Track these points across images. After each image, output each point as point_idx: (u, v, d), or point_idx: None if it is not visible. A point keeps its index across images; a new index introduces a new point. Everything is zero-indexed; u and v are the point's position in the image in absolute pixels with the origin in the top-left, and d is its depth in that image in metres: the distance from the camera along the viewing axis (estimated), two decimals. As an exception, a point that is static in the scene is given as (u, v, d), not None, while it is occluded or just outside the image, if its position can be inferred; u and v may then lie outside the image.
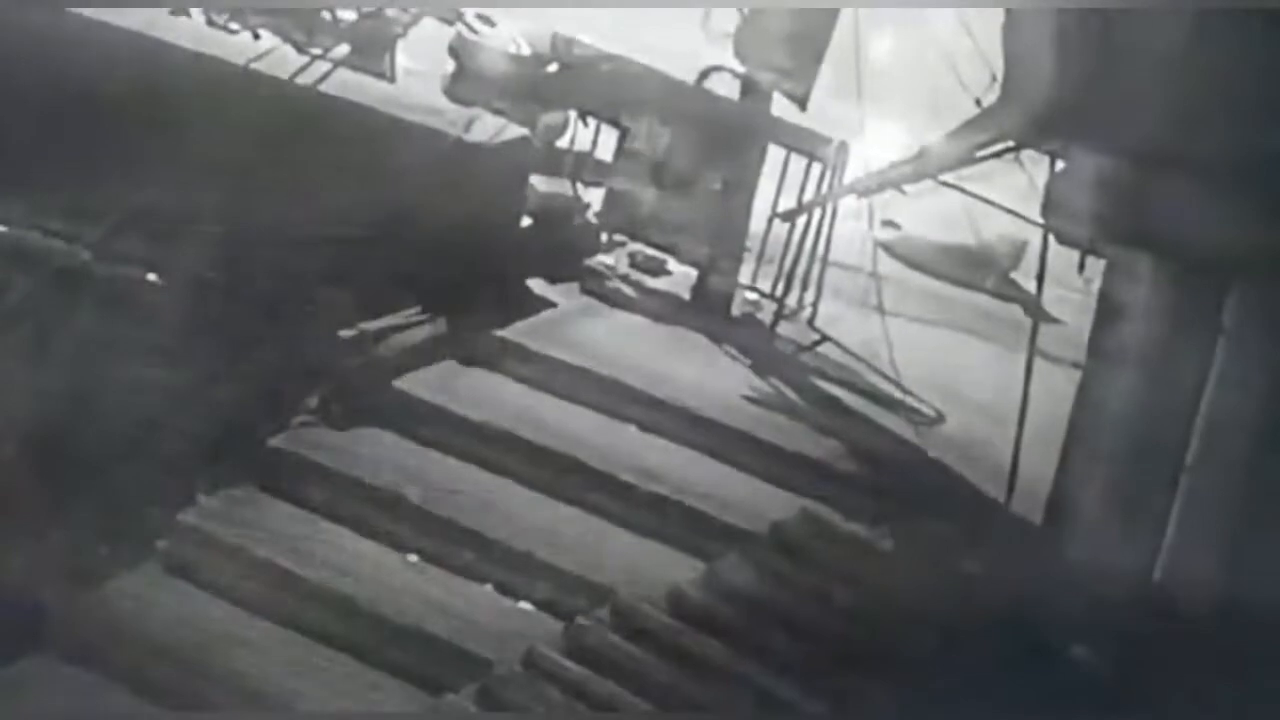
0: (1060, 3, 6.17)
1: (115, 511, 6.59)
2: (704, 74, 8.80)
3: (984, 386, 7.93)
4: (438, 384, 7.20)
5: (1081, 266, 7.71)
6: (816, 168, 8.39)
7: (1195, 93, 5.96)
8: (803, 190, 8.41)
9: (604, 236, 8.79)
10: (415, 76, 9.29)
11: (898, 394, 7.91)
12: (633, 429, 7.23)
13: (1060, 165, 6.70)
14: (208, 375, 7.15)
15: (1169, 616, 6.21)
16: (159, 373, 7.21)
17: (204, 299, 7.44)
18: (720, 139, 8.44)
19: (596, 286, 8.40)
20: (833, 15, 8.27)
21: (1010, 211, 8.15)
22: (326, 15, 9.36)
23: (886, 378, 8.02)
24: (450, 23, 9.23)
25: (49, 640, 5.89)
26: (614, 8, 9.41)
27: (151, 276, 7.64)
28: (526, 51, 8.71)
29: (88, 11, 8.36)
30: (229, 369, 7.16)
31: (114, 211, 7.65)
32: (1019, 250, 8.75)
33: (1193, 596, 6.24)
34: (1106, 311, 6.52)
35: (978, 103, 7.60)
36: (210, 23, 9.42)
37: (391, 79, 9.19)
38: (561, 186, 8.77)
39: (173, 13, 9.34)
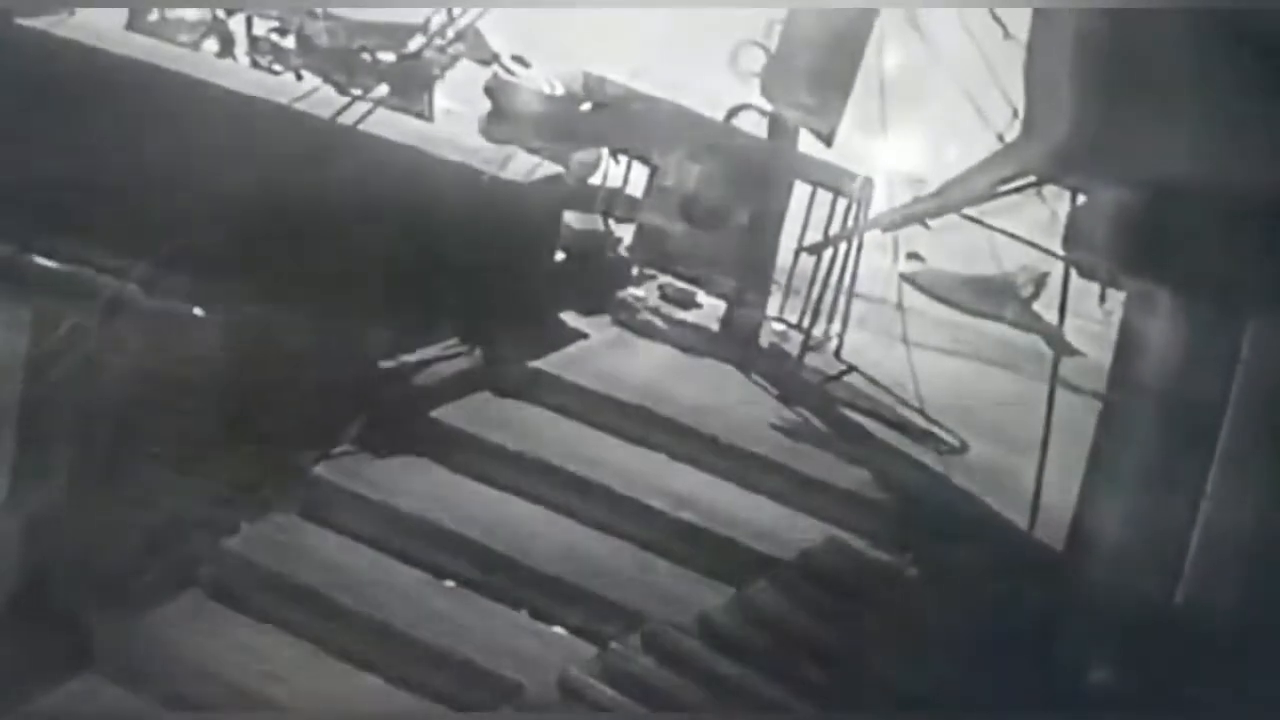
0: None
1: (160, 538, 6.64)
2: (732, 112, 8.82)
3: (1007, 416, 7.90)
4: (473, 414, 7.22)
5: (1103, 298, 7.71)
6: (842, 202, 8.39)
7: (1214, 127, 5.93)
8: (829, 224, 8.41)
9: (635, 270, 8.80)
10: (453, 116, 9.34)
11: (923, 423, 7.88)
12: (663, 457, 7.23)
13: (1081, 199, 6.69)
14: (251, 405, 7.20)
15: (1190, 640, 6.17)
16: (203, 403, 7.27)
17: (247, 332, 7.49)
18: (748, 175, 8.44)
19: (627, 318, 8.40)
20: (858, 54, 8.27)
21: (1032, 245, 8.13)
22: (366, 56, 9.44)
23: (911, 407, 7.99)
24: (487, 64, 9.29)
25: (97, 662, 5.94)
26: (643, 43, 9.48)
27: (198, 311, 7.72)
28: (560, 92, 8.74)
29: (136, 53, 8.47)
30: (272, 399, 7.21)
31: (161, 248, 7.72)
32: (1040, 282, 8.73)
33: (1214, 620, 6.20)
34: (1127, 342, 6.49)
35: (1000, 138, 7.61)
36: (255, 64, 9.52)
37: (430, 118, 9.25)
38: (594, 222, 8.79)
39: (219, 55, 9.47)
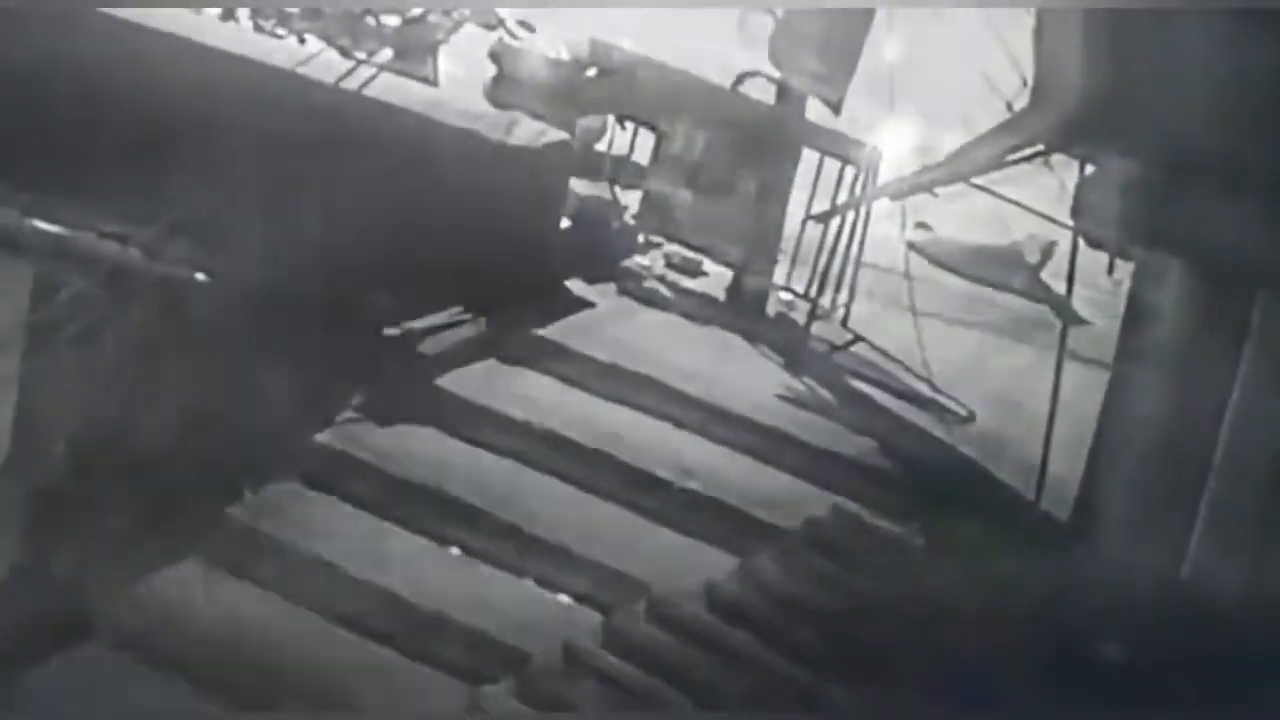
0: (1085, 2, 6.10)
1: (164, 506, 6.61)
2: (739, 79, 8.77)
3: (1014, 386, 7.89)
4: (479, 382, 7.18)
5: (1111, 268, 7.65)
6: (850, 171, 8.35)
7: (1223, 98, 5.88)
8: (836, 193, 8.38)
9: (641, 238, 8.78)
10: (458, 81, 9.28)
11: (929, 393, 7.87)
12: (668, 426, 7.19)
13: (1089, 169, 6.65)
14: (255, 373, 7.16)
15: (1197, 612, 6.15)
16: (207, 370, 7.23)
17: (251, 299, 7.45)
18: (755, 143, 8.40)
19: (634, 287, 8.38)
20: (866, 21, 8.21)
21: (1040, 215, 8.09)
22: (370, 21, 9.38)
23: (918, 377, 7.97)
24: (492, 28, 9.23)
25: (99, 629, 5.92)
26: (650, 8, 9.41)
27: (200, 277, 7.67)
28: (566, 57, 8.69)
29: (136, 16, 8.39)
30: (275, 367, 7.17)
31: (164, 214, 7.67)
32: (1047, 251, 8.69)
33: (1220, 593, 6.17)
34: (1135, 313, 6.48)
35: (1009, 107, 7.56)
36: (257, 28, 9.45)
37: (435, 84, 9.19)
38: (600, 189, 8.76)
39: (221, 18, 9.39)
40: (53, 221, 7.85)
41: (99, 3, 8.36)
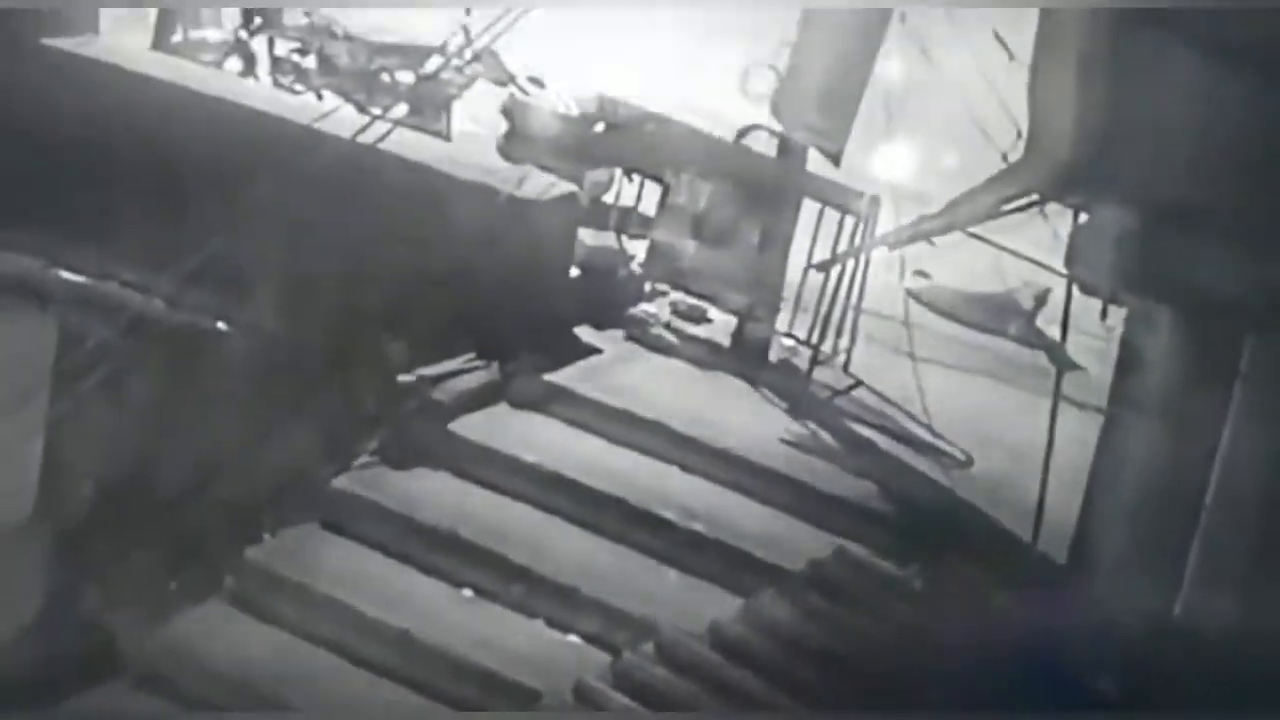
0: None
1: (186, 548, 6.67)
2: (742, 132, 8.84)
3: (1011, 430, 7.90)
4: (490, 427, 7.24)
5: (1104, 314, 7.71)
6: (850, 220, 8.41)
7: (1212, 146, 5.96)
8: (836, 242, 8.42)
9: (647, 286, 8.82)
10: (470, 136, 9.38)
11: (929, 437, 7.89)
12: (675, 470, 7.24)
13: (1083, 218, 6.70)
14: (274, 418, 7.23)
15: (1190, 650, 6.18)
16: (227, 416, 7.30)
17: (270, 346, 7.53)
18: (758, 194, 8.46)
19: (640, 334, 8.41)
20: (865, 76, 8.31)
21: (1035, 262, 8.15)
22: (386, 78, 9.49)
23: (918, 421, 7.99)
24: (503, 84, 9.34)
25: (124, 667, 5.97)
26: (655, 64, 9.50)
27: (221, 325, 7.75)
28: (575, 112, 8.77)
29: (160, 73, 8.52)
30: (294, 413, 7.23)
31: (185, 264, 7.75)
32: (1042, 298, 8.75)
33: (1212, 631, 6.21)
34: (1128, 358, 6.52)
35: (1004, 158, 7.64)
36: (276, 84, 9.57)
37: (448, 138, 9.29)
38: (607, 239, 8.81)
39: (241, 74, 9.52)
40: (77, 271, 7.94)
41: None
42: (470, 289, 7.65)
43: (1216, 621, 6.20)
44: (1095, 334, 7.83)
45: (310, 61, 9.61)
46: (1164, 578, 6.29)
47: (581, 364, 7.87)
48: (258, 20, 9.54)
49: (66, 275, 8.00)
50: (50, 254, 8.00)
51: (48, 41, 8.49)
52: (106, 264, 8.00)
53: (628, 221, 8.87)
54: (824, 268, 8.41)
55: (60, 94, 8.21)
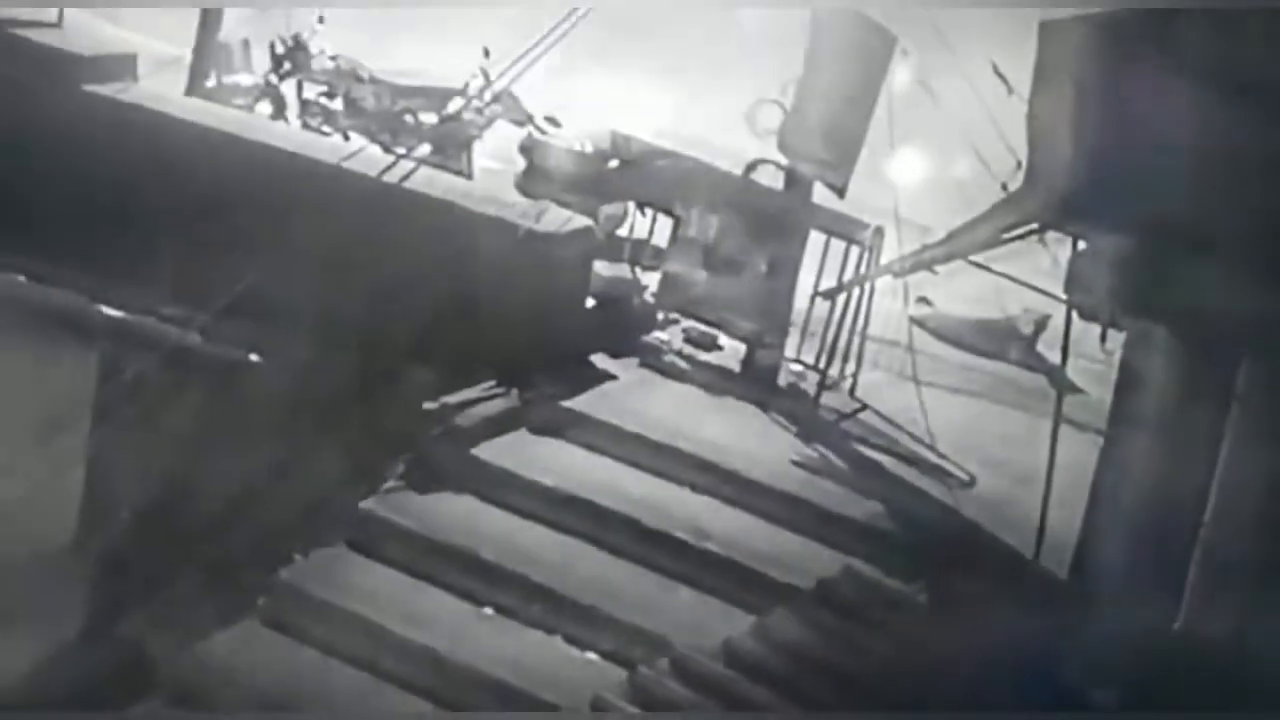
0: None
1: (220, 570, 6.72)
2: (750, 167, 8.91)
3: (1013, 451, 7.92)
4: (511, 451, 7.30)
5: (1104, 338, 7.71)
6: (855, 250, 8.45)
7: (1208, 173, 5.98)
8: (842, 271, 8.46)
9: (660, 315, 8.88)
10: (491, 174, 9.45)
11: (933, 458, 7.91)
12: (687, 491, 7.29)
13: (1081, 245, 6.72)
14: (304, 445, 7.28)
15: (1189, 664, 6.16)
16: (260, 443, 7.36)
17: (301, 376, 7.58)
18: (766, 225, 8.51)
19: (654, 361, 8.47)
20: (870, 110, 8.37)
21: (1035, 289, 8.16)
22: (409, 119, 9.58)
23: (922, 443, 8.02)
24: (521, 124, 9.42)
25: (160, 686, 6.01)
26: (667, 102, 9.55)
27: (254, 357, 7.82)
28: (589, 150, 8.84)
29: (195, 117, 8.62)
30: (323, 439, 7.29)
31: (221, 298, 7.82)
32: (1042, 323, 8.76)
33: (1211, 644, 6.20)
34: (1127, 381, 6.52)
35: (1004, 188, 7.66)
36: (305, 126, 9.68)
37: (469, 176, 9.37)
38: (622, 271, 8.87)
39: (271, 117, 9.63)
40: (117, 307, 8.03)
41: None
42: (490, 319, 7.71)
43: (1216, 636, 6.19)
44: (1095, 358, 7.83)
45: (337, 104, 9.72)
46: (1164, 593, 6.29)
47: (597, 390, 7.92)
48: (287, 65, 9.65)
49: (107, 310, 8.08)
50: (91, 290, 8.09)
51: (88, 88, 8.61)
52: (145, 299, 8.09)
53: (641, 253, 8.93)
54: (830, 295, 8.46)
55: (100, 138, 8.32)
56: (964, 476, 7.79)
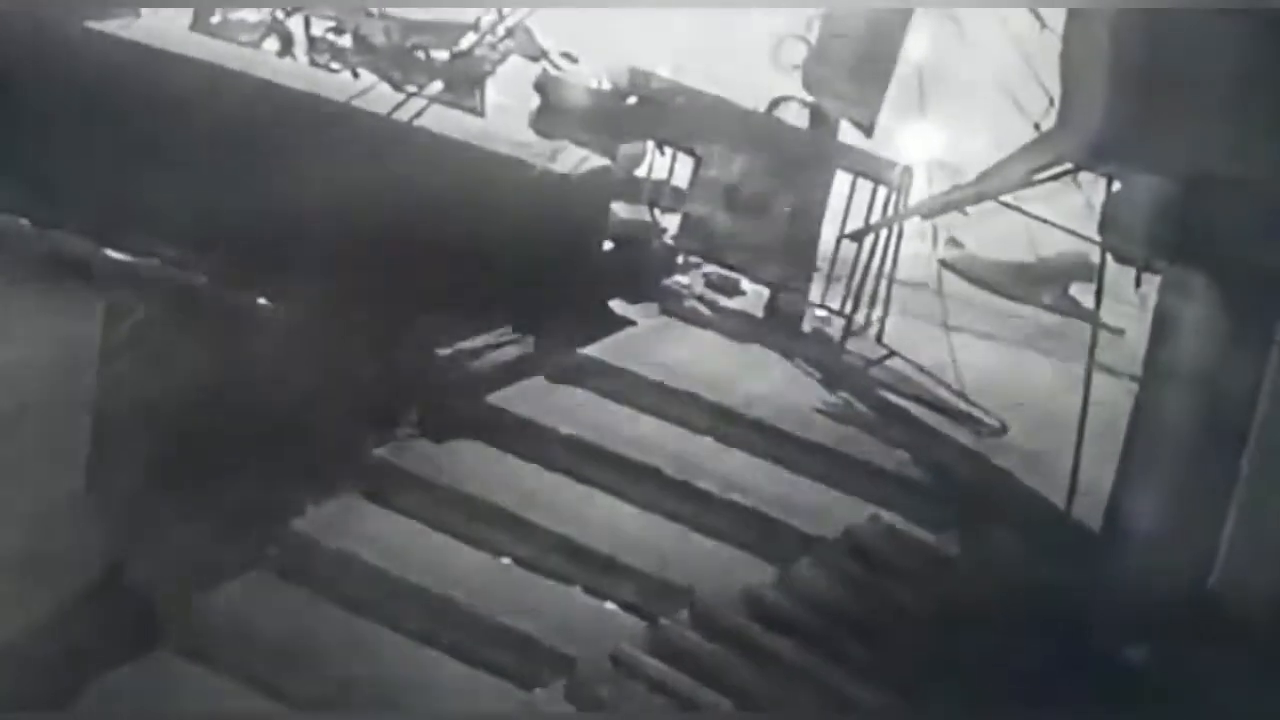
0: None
1: (230, 520, 6.73)
2: (774, 103, 8.82)
3: (1045, 398, 7.87)
4: (527, 399, 7.26)
5: (1138, 282, 7.65)
6: (882, 191, 8.37)
7: (1245, 113, 5.89)
8: (869, 212, 8.40)
9: (680, 258, 8.82)
10: (504, 111, 9.39)
11: (962, 405, 7.86)
12: (709, 440, 7.25)
13: (1116, 186, 6.65)
14: (315, 392, 7.28)
15: (1223, 620, 6.14)
16: (269, 390, 7.35)
17: (311, 321, 7.57)
18: (790, 165, 8.43)
19: (674, 306, 8.42)
20: (897, 45, 8.25)
21: (1068, 231, 8.09)
22: (420, 55, 9.50)
23: (952, 390, 7.97)
24: (536, 60, 9.33)
25: (168, 637, 6.04)
26: (687, 35, 9.46)
27: (262, 300, 7.80)
28: (606, 86, 8.75)
29: (200, 54, 8.56)
30: (335, 386, 7.28)
31: (227, 239, 7.81)
32: (1077, 267, 8.69)
33: (1246, 601, 6.16)
34: (1162, 326, 6.45)
35: (1036, 127, 7.58)
36: (313, 63, 9.61)
37: (482, 114, 9.30)
38: (640, 212, 8.81)
39: (279, 54, 9.56)
40: (122, 250, 8.01)
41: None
42: (505, 263, 7.66)
43: (1251, 590, 6.15)
44: (1129, 302, 7.76)
45: (346, 40, 9.64)
46: (1198, 545, 6.25)
47: (616, 336, 7.88)
48: (294, -1, 9.58)
49: (112, 254, 8.07)
50: (97, 233, 8.07)
51: (91, 24, 8.54)
52: (149, 241, 8.06)
53: (660, 194, 8.86)
54: (857, 238, 8.39)
55: (103, 76, 8.26)
56: (994, 424, 7.73)
